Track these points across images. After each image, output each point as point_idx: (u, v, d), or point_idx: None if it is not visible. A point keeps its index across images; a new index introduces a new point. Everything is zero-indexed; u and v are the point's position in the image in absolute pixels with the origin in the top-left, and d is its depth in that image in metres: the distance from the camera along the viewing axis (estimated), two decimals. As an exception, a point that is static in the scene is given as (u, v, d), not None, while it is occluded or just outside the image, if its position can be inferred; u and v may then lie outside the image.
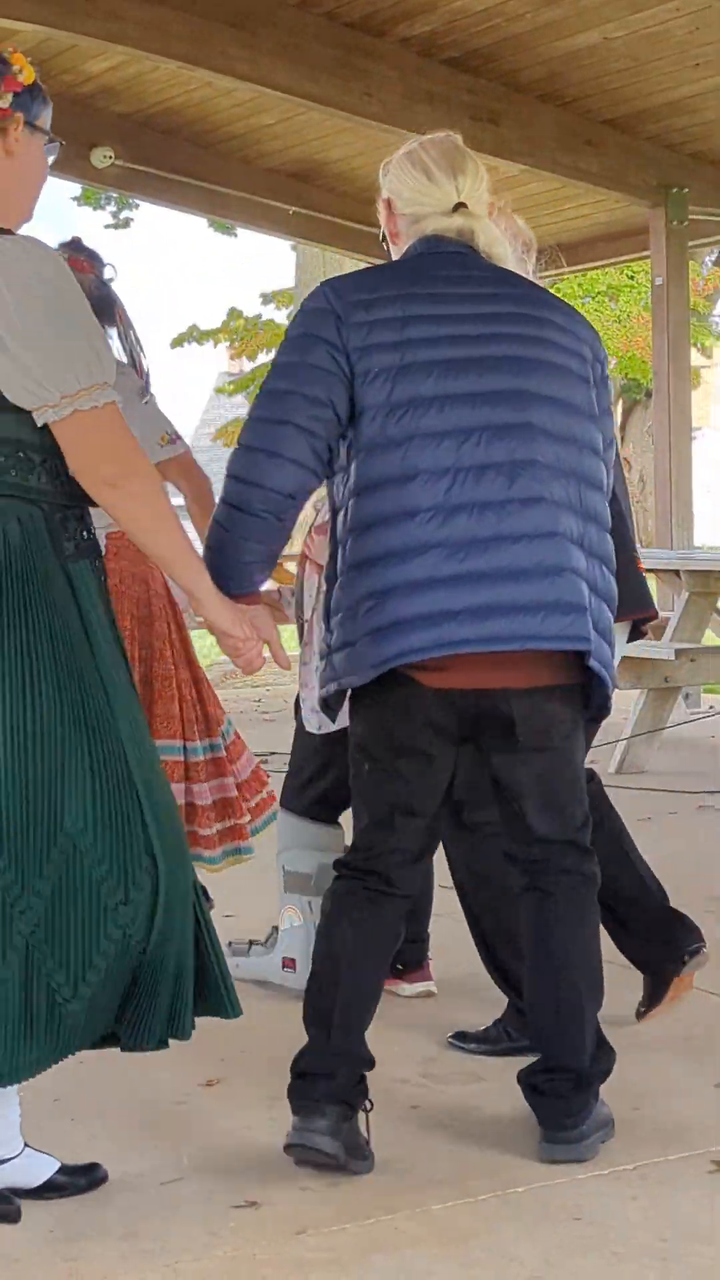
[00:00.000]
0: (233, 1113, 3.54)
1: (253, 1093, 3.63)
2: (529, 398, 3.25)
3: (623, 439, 28.58)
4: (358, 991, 3.29)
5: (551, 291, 3.54)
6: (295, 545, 4.11)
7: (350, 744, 3.38)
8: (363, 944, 3.31)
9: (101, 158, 10.31)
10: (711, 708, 9.74)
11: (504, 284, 3.37)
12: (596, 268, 17.62)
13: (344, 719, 3.47)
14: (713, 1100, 3.54)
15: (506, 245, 3.50)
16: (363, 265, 21.59)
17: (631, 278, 25.58)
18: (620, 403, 28.98)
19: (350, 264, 20.26)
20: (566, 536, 3.22)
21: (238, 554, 3.22)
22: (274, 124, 10.29)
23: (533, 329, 3.30)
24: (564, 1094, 3.28)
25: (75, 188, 23.18)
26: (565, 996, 3.33)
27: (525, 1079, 3.35)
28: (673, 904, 4.46)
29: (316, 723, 4.23)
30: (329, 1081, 3.22)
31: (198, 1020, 3.16)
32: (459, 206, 3.40)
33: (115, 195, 17.43)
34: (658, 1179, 3.14)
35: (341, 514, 3.27)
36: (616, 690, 3.48)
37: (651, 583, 10.71)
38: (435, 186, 3.41)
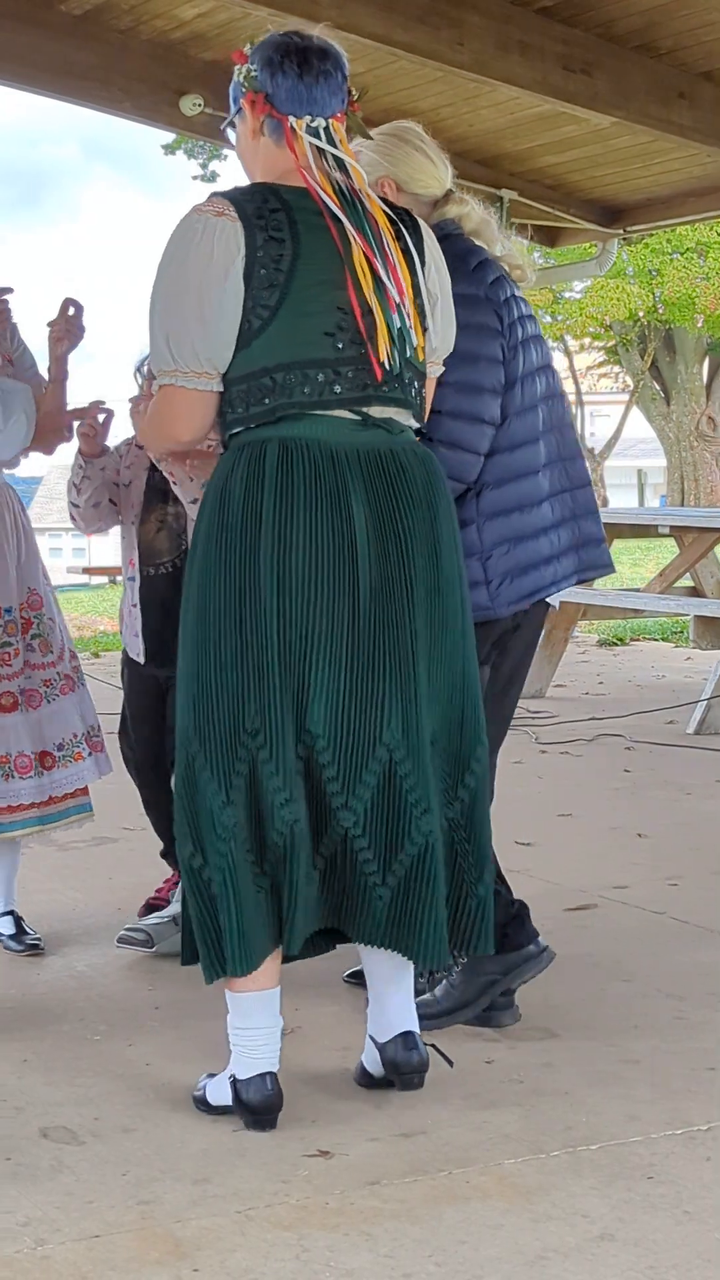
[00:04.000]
0: (306, 1063, 3.54)
1: (326, 1043, 3.64)
2: (554, 371, 3.82)
3: (708, 397, 28.33)
4: None
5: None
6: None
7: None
8: None
9: (191, 105, 10.25)
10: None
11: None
12: (686, 223, 17.44)
13: None
14: (788, 1063, 3.51)
15: (494, 225, 3.83)
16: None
17: (721, 234, 25.30)
18: (706, 361, 28.73)
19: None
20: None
21: None
22: (363, 73, 10.21)
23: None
24: None
25: (165, 136, 23.30)
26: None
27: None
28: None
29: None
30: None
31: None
32: (449, 193, 3.75)
33: (205, 144, 17.36)
34: (731, 1140, 3.13)
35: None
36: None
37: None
38: (438, 171, 3.76)
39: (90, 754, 4.53)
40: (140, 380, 4.57)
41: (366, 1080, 3.37)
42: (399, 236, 3.20)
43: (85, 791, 4.51)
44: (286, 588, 3.05)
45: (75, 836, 5.82)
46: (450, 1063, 3.37)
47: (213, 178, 19.07)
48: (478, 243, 3.72)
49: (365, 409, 3.14)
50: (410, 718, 3.13)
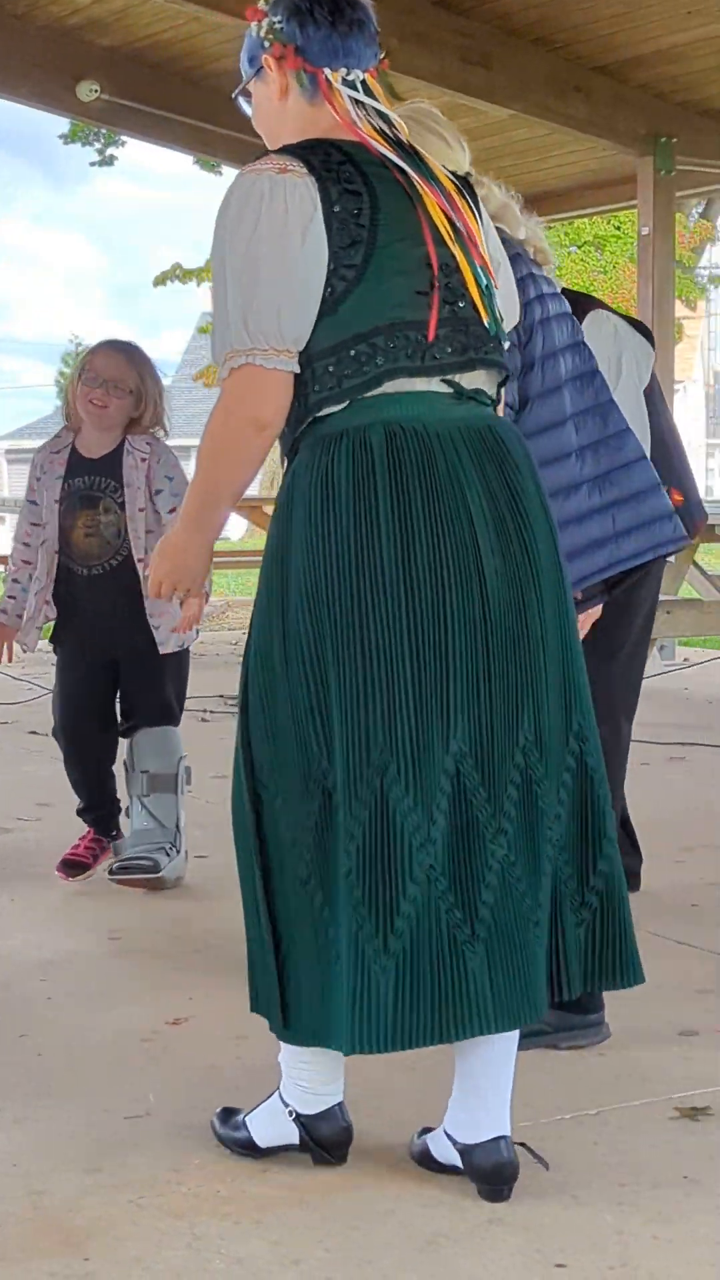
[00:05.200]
0: (199, 1050, 3.55)
1: (219, 1031, 3.65)
2: (586, 348, 3.64)
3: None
4: None
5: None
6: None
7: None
8: None
9: (87, 91, 10.20)
10: (686, 660, 9.77)
11: None
12: (583, 216, 17.57)
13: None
14: (678, 1047, 3.56)
15: (515, 209, 3.64)
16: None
17: (618, 228, 25.46)
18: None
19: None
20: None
21: None
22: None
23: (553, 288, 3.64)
24: None
25: (63, 123, 23.10)
26: None
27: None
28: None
29: (176, 643, 4.84)
30: None
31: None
32: (468, 176, 3.53)
33: (102, 131, 17.28)
34: (619, 1124, 3.16)
35: None
36: None
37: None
38: (456, 154, 3.56)
39: None
40: (66, 370, 4.80)
41: (429, 1163, 2.95)
42: (462, 194, 2.94)
43: None
44: (413, 593, 2.69)
45: (-31, 827, 5.80)
46: (546, 1165, 2.96)
47: (110, 162, 18.94)
48: (499, 225, 3.54)
49: (465, 375, 2.83)
50: (542, 721, 2.79)
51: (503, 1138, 2.86)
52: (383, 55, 3.00)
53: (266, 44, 2.92)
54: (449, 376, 2.81)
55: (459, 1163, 2.89)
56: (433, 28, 9.07)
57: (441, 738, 2.70)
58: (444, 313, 2.81)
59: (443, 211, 2.84)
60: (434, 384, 2.80)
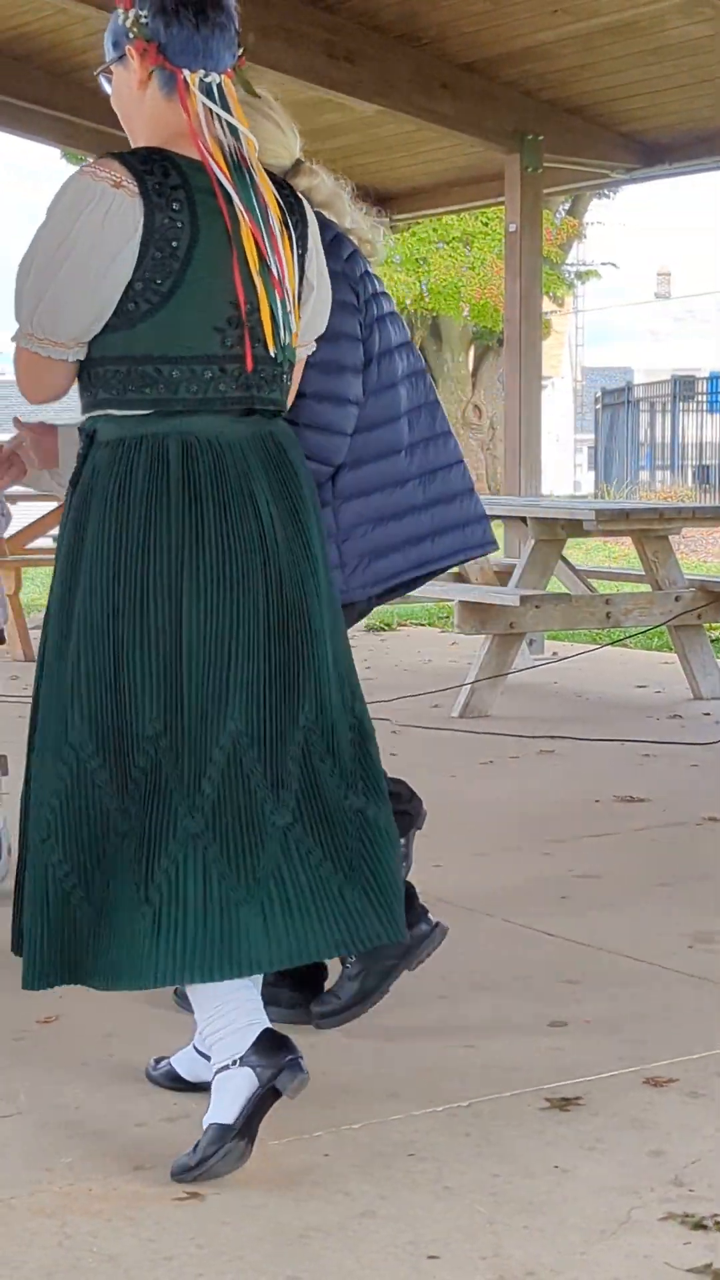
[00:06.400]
0: (70, 1048, 3.53)
1: (90, 1028, 3.63)
2: (415, 347, 3.72)
3: (474, 386, 28.66)
4: None
5: (394, 238, 3.81)
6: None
7: None
8: None
9: None
10: (554, 654, 9.84)
11: None
12: (450, 212, 17.62)
13: None
14: (546, 1039, 3.59)
15: (345, 197, 3.65)
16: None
17: (486, 224, 25.60)
18: (472, 349, 29.07)
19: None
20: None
21: None
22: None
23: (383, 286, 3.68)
24: None
25: None
26: None
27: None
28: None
29: None
30: None
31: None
32: (299, 164, 3.55)
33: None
34: (491, 1115, 3.18)
35: None
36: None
37: (499, 529, 10.84)
38: (287, 139, 3.54)
39: None
40: None
41: (178, 1084, 3.31)
42: (285, 221, 3.04)
43: None
44: (199, 586, 2.90)
45: None
46: None
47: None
48: (328, 215, 3.56)
49: (247, 408, 3.01)
50: (324, 698, 3.02)
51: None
52: (240, 53, 3.07)
53: (130, 35, 3.02)
54: (228, 409, 2.98)
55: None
56: (299, 23, 9.07)
57: (217, 717, 2.91)
58: (238, 350, 2.97)
59: (258, 245, 2.96)
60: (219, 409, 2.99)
